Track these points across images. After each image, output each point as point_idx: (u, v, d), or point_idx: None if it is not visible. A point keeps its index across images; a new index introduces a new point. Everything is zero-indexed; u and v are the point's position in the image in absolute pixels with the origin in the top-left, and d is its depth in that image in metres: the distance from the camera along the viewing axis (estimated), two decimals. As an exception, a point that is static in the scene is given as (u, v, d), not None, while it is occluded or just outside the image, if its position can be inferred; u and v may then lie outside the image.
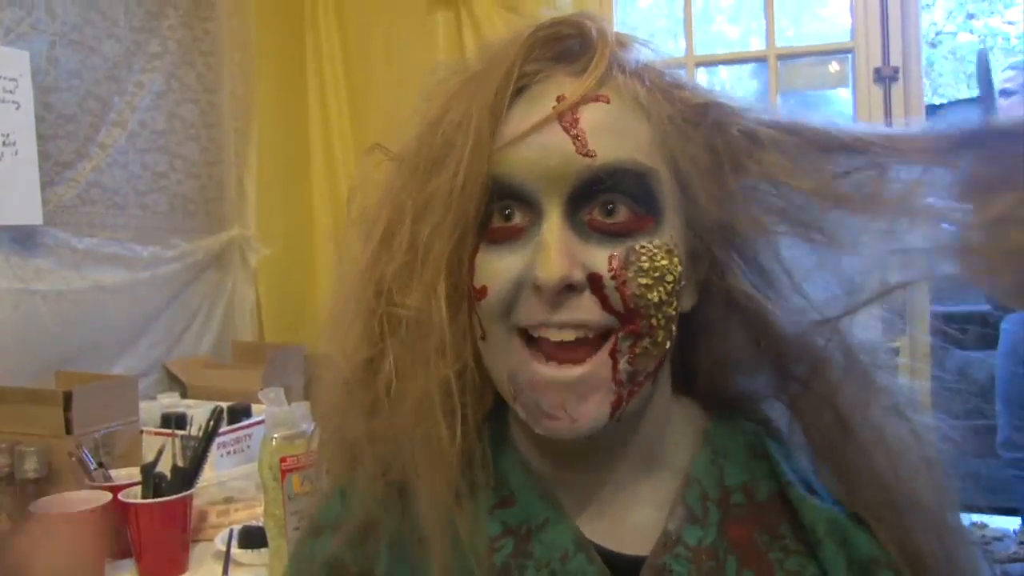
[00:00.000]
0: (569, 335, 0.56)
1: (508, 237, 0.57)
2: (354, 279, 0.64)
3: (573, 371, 0.56)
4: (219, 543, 1.33)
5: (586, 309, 0.55)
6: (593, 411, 0.56)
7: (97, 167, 2.09)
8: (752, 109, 0.61)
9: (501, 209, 0.57)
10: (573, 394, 0.56)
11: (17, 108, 1.83)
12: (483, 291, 0.58)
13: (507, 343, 0.58)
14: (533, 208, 0.57)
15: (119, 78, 2.16)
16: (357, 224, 0.66)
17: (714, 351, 0.66)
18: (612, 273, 0.55)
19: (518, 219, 0.57)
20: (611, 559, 0.60)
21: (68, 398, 1.50)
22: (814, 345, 0.62)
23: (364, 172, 0.67)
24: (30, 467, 1.43)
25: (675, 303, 0.57)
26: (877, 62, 2.29)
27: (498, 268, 0.57)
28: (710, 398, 0.68)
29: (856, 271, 0.62)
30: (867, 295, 0.61)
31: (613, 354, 0.56)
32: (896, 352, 0.68)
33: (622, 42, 0.62)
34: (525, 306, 0.56)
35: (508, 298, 0.57)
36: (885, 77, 2.27)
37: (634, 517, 0.63)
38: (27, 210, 1.87)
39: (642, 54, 0.62)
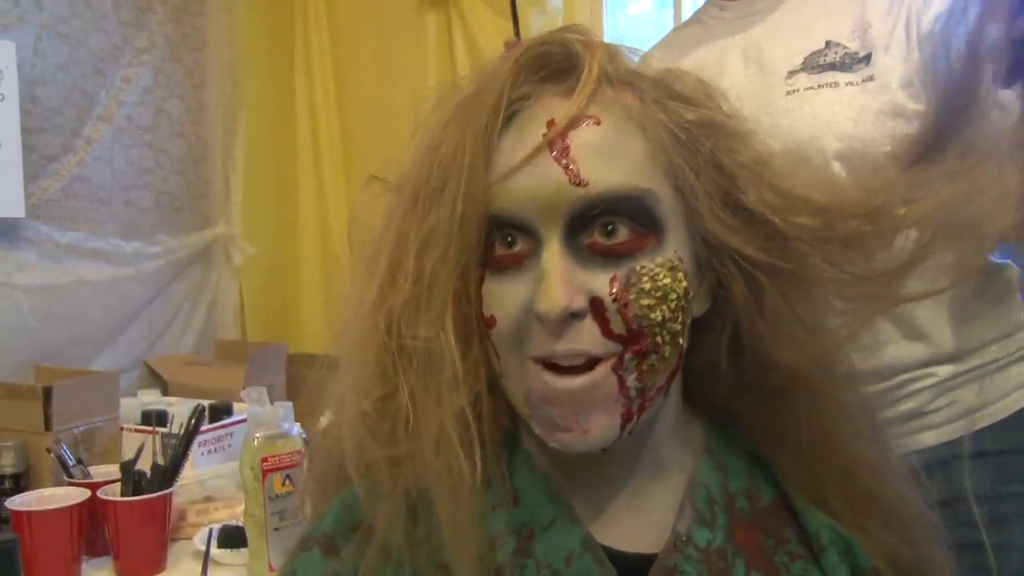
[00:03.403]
0: (579, 360, 0.55)
1: (512, 264, 0.57)
2: (362, 315, 0.63)
3: (575, 380, 0.55)
4: (198, 542, 1.32)
5: (588, 338, 0.55)
6: (603, 423, 0.56)
7: (82, 161, 2.07)
8: (752, 144, 0.59)
9: (503, 237, 0.57)
10: (582, 405, 0.55)
11: (2, 100, 1.82)
12: (492, 321, 0.57)
13: (522, 369, 0.58)
14: (533, 236, 0.56)
15: (106, 72, 2.14)
16: (359, 256, 0.65)
17: (705, 355, 0.64)
18: (613, 296, 0.55)
19: (520, 246, 0.57)
20: (616, 558, 0.60)
21: (48, 393, 1.49)
22: (798, 366, 0.62)
23: (362, 201, 0.66)
24: (8, 462, 1.42)
25: (680, 317, 0.57)
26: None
27: (504, 298, 0.57)
28: (706, 403, 0.67)
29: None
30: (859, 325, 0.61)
31: (617, 370, 0.56)
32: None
33: (611, 53, 0.60)
34: (534, 336, 0.56)
35: (517, 327, 0.56)
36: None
37: (642, 518, 0.62)
38: (9, 203, 1.85)
39: (633, 64, 0.62)
